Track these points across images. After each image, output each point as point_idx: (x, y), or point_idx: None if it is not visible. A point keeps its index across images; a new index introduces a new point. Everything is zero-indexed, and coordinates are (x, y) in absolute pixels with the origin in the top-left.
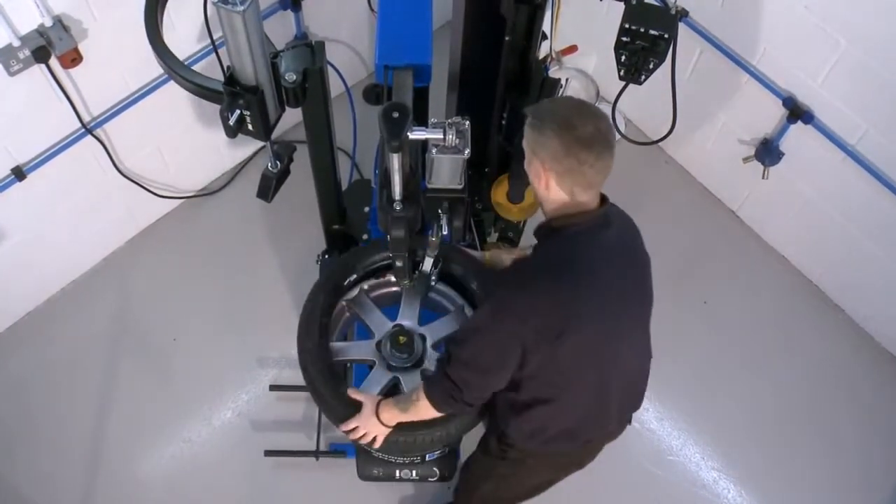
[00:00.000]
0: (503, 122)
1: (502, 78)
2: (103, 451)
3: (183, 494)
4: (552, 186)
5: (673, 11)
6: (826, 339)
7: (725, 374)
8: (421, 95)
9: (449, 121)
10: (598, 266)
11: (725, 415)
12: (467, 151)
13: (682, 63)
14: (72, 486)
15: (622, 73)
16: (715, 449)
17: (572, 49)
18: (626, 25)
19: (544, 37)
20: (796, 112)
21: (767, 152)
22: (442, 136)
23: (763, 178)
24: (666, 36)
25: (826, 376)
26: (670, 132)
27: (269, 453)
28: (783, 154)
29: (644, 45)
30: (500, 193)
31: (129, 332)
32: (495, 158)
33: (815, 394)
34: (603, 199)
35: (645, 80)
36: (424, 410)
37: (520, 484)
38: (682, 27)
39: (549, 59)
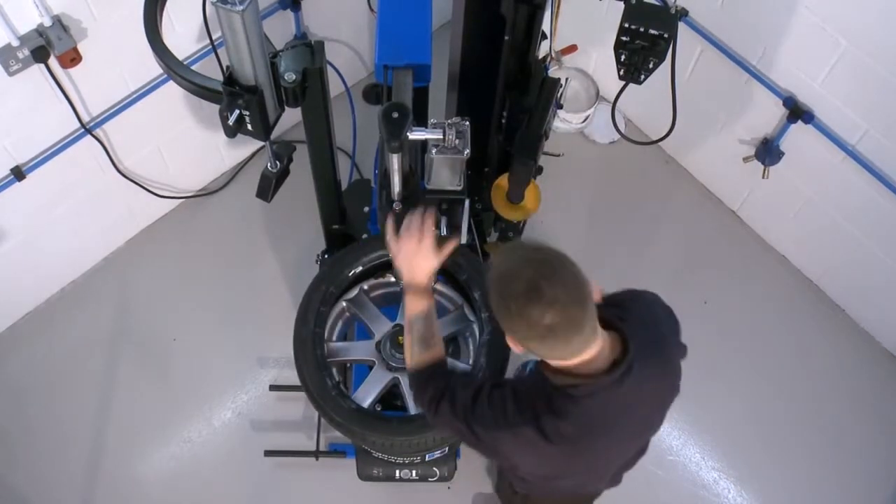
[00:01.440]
0: (503, 122)
1: (502, 77)
2: (103, 451)
3: (183, 494)
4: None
5: (673, 11)
6: (826, 339)
7: (725, 373)
8: (421, 95)
9: (449, 121)
10: (615, 428)
11: (726, 415)
12: (467, 152)
13: (682, 63)
14: (71, 486)
15: (622, 72)
16: (715, 449)
17: (572, 49)
18: (626, 25)
19: (544, 36)
20: (796, 112)
21: (767, 152)
22: (442, 137)
23: (763, 177)
24: (666, 35)
25: (826, 376)
26: (670, 132)
27: (269, 453)
28: (783, 154)
29: (644, 44)
30: (499, 193)
31: (129, 333)
32: (495, 158)
33: (816, 394)
34: (624, 345)
35: (645, 79)
36: (410, 370)
37: None
38: (681, 27)
39: (548, 59)
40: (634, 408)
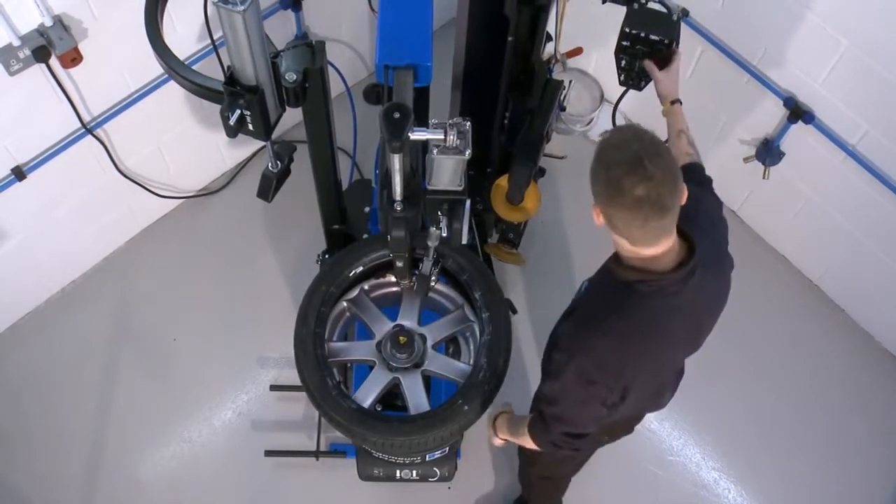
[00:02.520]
0: (505, 123)
1: (505, 78)
2: (103, 451)
3: (183, 494)
4: (613, 233)
5: (675, 17)
6: (826, 339)
7: (726, 374)
8: (421, 95)
9: (450, 121)
10: (674, 331)
11: (726, 415)
12: (468, 152)
13: (683, 63)
14: (72, 486)
15: (622, 77)
16: (715, 449)
17: (578, 51)
18: (627, 29)
19: (549, 38)
20: (797, 112)
21: (768, 152)
22: (443, 137)
23: (763, 178)
24: (666, 41)
25: (826, 376)
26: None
27: (269, 453)
28: (784, 154)
29: (644, 49)
30: (499, 194)
31: (129, 332)
32: (497, 159)
33: (816, 394)
34: (690, 249)
35: (645, 86)
36: (529, 443)
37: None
38: (682, 27)
39: (553, 61)
40: (692, 311)
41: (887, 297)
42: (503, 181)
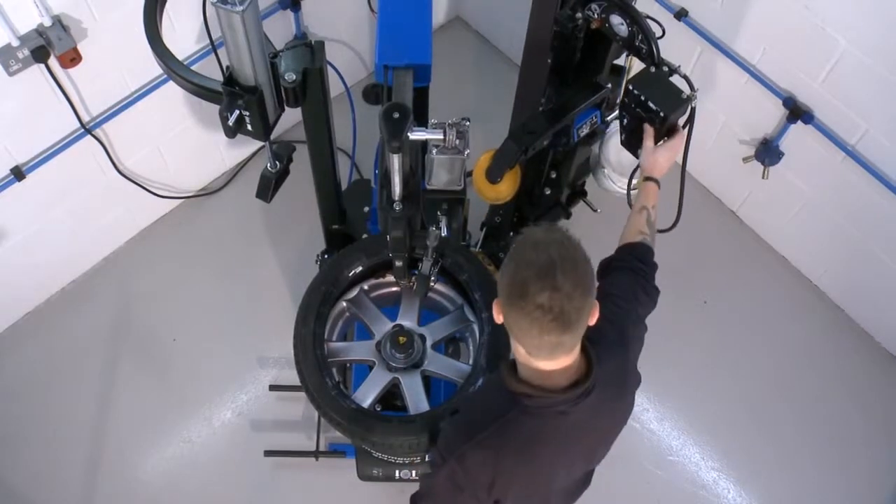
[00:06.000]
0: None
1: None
2: (103, 451)
3: (183, 494)
4: (511, 337)
5: (685, 96)
6: (826, 340)
7: (725, 374)
8: (421, 95)
9: (449, 121)
10: (555, 453)
11: (725, 415)
12: (467, 152)
13: (682, 63)
14: (72, 486)
15: (623, 138)
16: (715, 449)
17: None
18: (630, 87)
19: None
20: (796, 112)
21: (767, 152)
22: (442, 137)
23: (763, 178)
24: (662, 114)
25: (826, 376)
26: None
27: (269, 453)
28: (783, 154)
29: (641, 114)
30: (480, 168)
31: (129, 332)
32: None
33: (815, 394)
34: (588, 368)
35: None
36: None
37: None
38: (682, 26)
39: (614, 104)
40: (582, 433)
41: (887, 297)
42: (490, 156)
